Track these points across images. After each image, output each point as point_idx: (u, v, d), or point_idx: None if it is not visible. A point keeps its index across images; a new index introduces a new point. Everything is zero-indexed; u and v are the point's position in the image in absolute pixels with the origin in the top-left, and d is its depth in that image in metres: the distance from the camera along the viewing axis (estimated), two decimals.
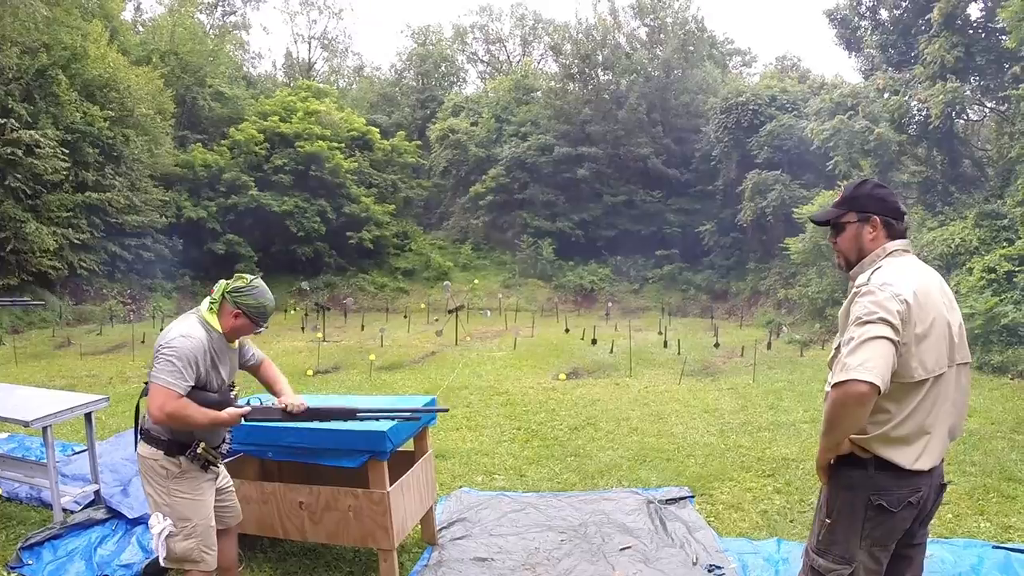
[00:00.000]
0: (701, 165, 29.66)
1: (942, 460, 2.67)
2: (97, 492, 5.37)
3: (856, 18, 21.12)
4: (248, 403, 3.54)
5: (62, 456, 6.77)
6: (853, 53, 22.28)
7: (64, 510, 5.12)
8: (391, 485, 4.08)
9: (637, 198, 30.43)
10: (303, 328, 20.07)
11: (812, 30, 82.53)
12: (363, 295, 28.70)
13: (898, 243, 2.69)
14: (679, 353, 14.17)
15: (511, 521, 5.17)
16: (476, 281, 28.69)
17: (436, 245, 32.64)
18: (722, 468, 6.35)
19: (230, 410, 3.33)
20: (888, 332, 2.35)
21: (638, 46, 32.27)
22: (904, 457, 2.49)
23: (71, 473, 6.14)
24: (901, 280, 2.49)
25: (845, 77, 28.72)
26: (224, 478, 3.74)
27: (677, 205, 29.90)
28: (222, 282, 3.43)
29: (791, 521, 5.12)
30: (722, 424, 8.12)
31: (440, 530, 4.98)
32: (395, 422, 4.04)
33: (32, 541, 4.63)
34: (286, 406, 3.56)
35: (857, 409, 2.34)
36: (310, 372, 12.42)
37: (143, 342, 16.30)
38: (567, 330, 19.04)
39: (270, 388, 3.78)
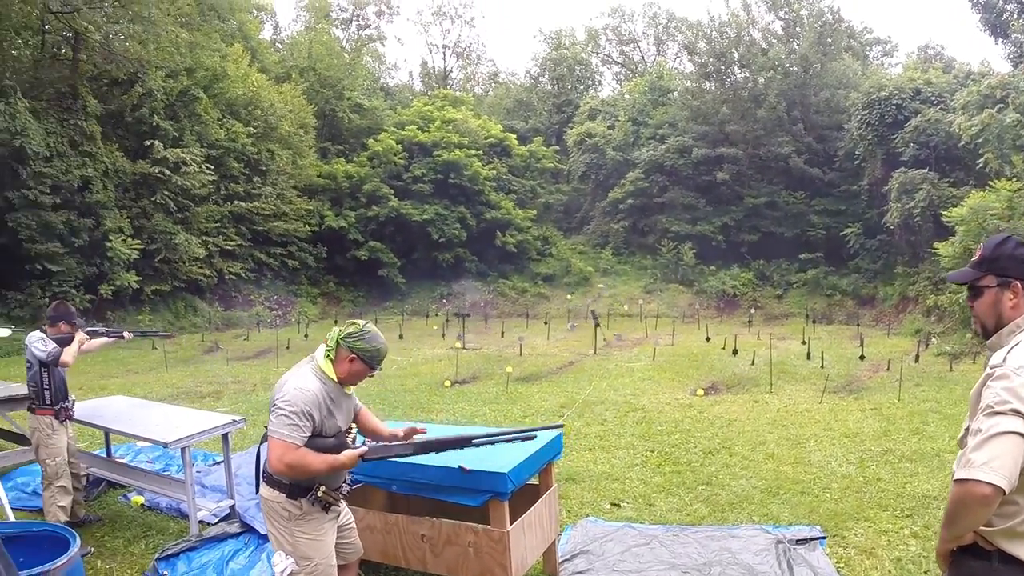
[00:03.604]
0: (844, 164, 28.67)
1: None
2: (232, 507, 5.74)
3: (1001, 1, 20.03)
4: (364, 443, 3.67)
5: (202, 466, 7.27)
6: (1000, 39, 21.11)
7: (200, 522, 5.47)
8: (512, 523, 4.14)
9: (779, 199, 29.84)
10: (443, 335, 20.88)
11: (954, 15, 76.64)
12: (503, 300, 29.44)
13: None
14: (822, 366, 13.99)
15: (635, 556, 5.11)
16: (602, 286, 29.03)
17: (576, 250, 33.05)
18: (858, 505, 6.27)
19: (347, 452, 3.44)
20: (1019, 426, 2.15)
21: (774, 41, 31.50)
22: None
23: (210, 484, 6.54)
24: None
25: (993, 65, 26.83)
26: (346, 515, 3.90)
27: (821, 206, 29.06)
28: (335, 329, 3.58)
29: (925, 572, 4.93)
30: (862, 452, 8.06)
31: (562, 562, 4.98)
32: (517, 463, 4.14)
33: (168, 552, 4.94)
34: (405, 433, 3.77)
35: (979, 510, 2.20)
36: (448, 383, 12.70)
37: (288, 348, 17.56)
38: (708, 339, 19.05)
39: (374, 437, 3.89)
